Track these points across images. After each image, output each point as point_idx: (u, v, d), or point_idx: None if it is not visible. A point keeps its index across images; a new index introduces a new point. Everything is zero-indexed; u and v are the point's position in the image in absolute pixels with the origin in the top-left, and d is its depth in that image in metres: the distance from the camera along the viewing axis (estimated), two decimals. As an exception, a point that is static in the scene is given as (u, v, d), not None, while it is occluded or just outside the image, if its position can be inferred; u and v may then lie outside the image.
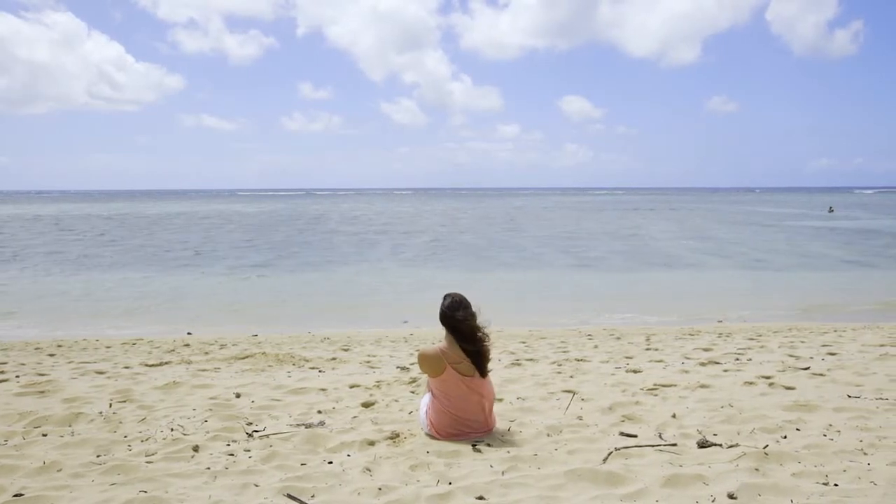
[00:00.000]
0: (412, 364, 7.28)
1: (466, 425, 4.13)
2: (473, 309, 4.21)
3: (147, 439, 4.13)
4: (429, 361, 4.16)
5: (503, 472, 3.44)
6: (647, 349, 8.86)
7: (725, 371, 6.69)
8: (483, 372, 4.16)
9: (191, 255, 25.24)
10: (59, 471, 3.50)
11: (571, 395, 5.34)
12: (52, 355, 8.84)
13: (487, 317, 4.38)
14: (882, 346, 8.58)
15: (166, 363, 7.99)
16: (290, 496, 3.06)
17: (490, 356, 4.25)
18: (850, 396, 5.25)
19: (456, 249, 27.57)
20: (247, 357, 8.32)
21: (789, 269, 20.88)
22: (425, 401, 4.34)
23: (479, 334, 4.15)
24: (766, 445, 3.78)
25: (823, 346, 8.67)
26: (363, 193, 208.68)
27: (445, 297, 4.26)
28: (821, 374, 6.31)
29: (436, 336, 10.16)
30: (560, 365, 7.38)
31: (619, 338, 10.32)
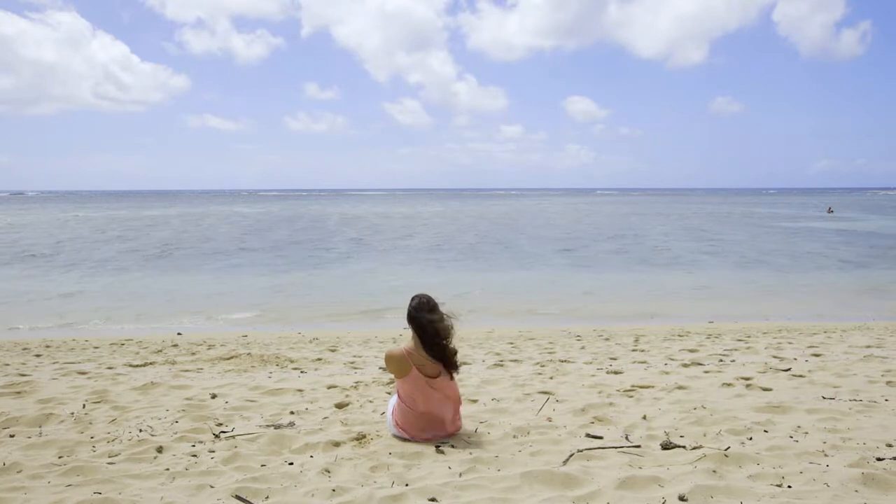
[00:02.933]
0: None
1: (431, 426, 4.12)
2: (442, 310, 4.20)
3: (113, 440, 4.14)
4: (394, 362, 4.16)
5: (461, 474, 3.43)
6: (634, 350, 8.85)
7: (706, 372, 6.67)
8: (448, 374, 4.15)
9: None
10: (19, 472, 3.51)
11: (546, 396, 5.33)
12: (38, 356, 8.86)
13: (461, 318, 4.36)
14: (868, 347, 8.56)
15: (150, 364, 8.00)
16: (238, 497, 3.06)
17: (456, 358, 4.24)
18: (824, 398, 5.24)
19: (454, 250, 27.58)
20: (232, 358, 8.32)
21: (785, 269, 20.85)
22: (392, 402, 4.34)
23: (444, 337, 4.13)
24: (728, 447, 3.76)
25: (810, 347, 8.65)
26: (364, 194, 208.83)
27: (413, 297, 4.26)
28: (800, 376, 6.29)
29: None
30: (543, 366, 7.37)
31: (607, 339, 10.30)
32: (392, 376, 6.28)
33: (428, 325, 4.08)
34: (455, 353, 4.20)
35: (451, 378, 4.18)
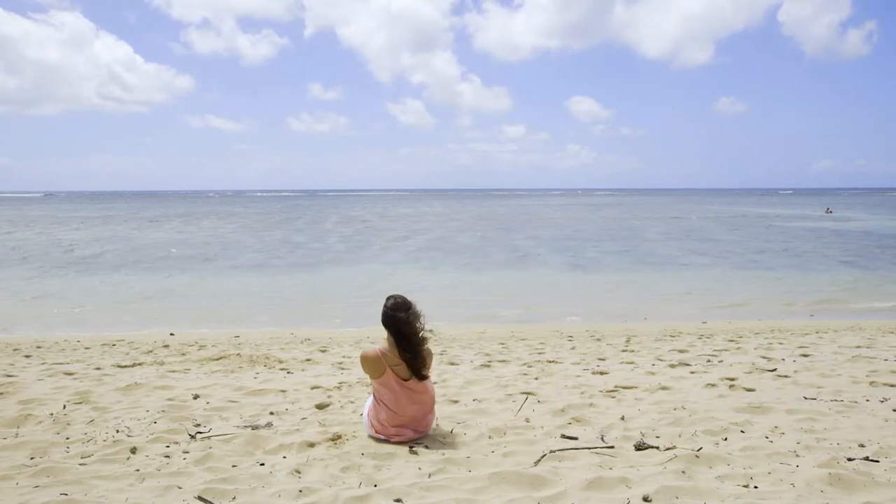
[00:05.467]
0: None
1: (406, 427, 4.13)
2: (416, 311, 4.20)
3: (89, 441, 4.13)
4: (369, 363, 4.17)
5: (430, 475, 3.43)
6: (624, 350, 8.83)
7: (692, 373, 6.67)
8: (421, 375, 4.15)
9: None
10: (-11, 473, 3.51)
11: (525, 396, 5.33)
12: (27, 356, 8.85)
13: (434, 319, 4.37)
14: (858, 347, 8.55)
15: (139, 364, 7.99)
16: (201, 499, 3.06)
17: (430, 359, 4.24)
18: (806, 398, 5.23)
19: (451, 250, 27.57)
20: (221, 358, 8.32)
21: (781, 269, 20.83)
22: (369, 402, 4.34)
23: (419, 338, 4.13)
24: (700, 448, 3.76)
25: (800, 347, 8.63)
26: (365, 195, 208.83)
27: (388, 298, 4.26)
28: (785, 376, 6.28)
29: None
30: (530, 366, 7.36)
31: (599, 339, 10.28)
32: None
33: (402, 326, 4.08)
34: (427, 354, 4.20)
35: (425, 379, 4.17)
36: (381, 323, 4.23)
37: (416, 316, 4.17)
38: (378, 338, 10.89)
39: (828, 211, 60.28)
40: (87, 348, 9.85)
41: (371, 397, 4.32)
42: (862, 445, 3.80)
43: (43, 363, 8.11)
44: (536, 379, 6.39)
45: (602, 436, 4.17)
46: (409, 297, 4.26)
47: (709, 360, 7.58)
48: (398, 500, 3.07)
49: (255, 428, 4.46)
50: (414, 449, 3.93)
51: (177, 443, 4.12)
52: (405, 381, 4.12)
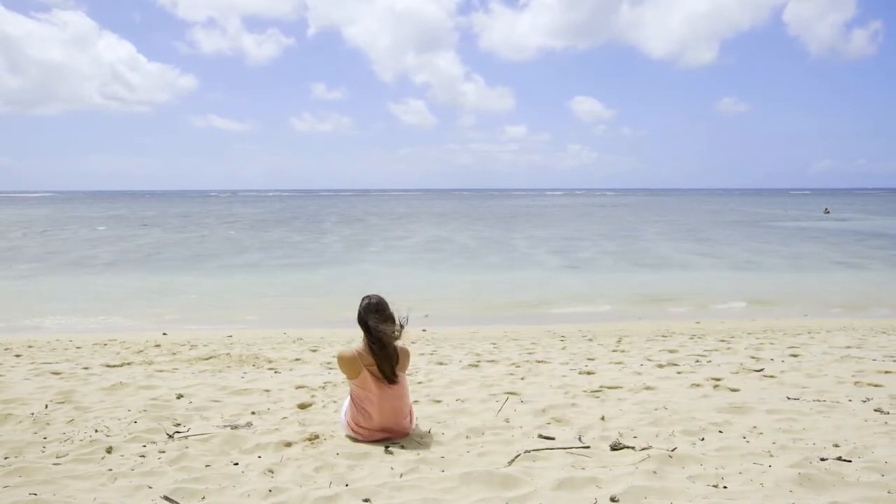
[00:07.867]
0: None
1: (382, 427, 4.12)
2: (391, 312, 4.19)
3: (66, 441, 4.13)
4: (345, 363, 4.16)
5: (402, 475, 3.42)
6: (614, 350, 8.82)
7: (679, 373, 6.65)
8: (391, 377, 4.14)
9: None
10: (-38, 473, 3.50)
11: (506, 397, 5.32)
12: (18, 356, 8.85)
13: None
14: (848, 347, 8.53)
15: (128, 364, 7.99)
16: (167, 499, 3.05)
17: (407, 359, 4.24)
18: (789, 398, 5.22)
19: (450, 250, 27.59)
20: (210, 358, 8.32)
21: (777, 269, 20.82)
22: (346, 403, 4.34)
23: (391, 338, 4.12)
24: (675, 448, 3.75)
25: (790, 347, 8.62)
26: (366, 195, 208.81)
27: (363, 298, 4.26)
28: (771, 377, 6.28)
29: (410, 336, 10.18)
30: (518, 366, 7.35)
31: (591, 339, 10.28)
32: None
33: (375, 327, 4.08)
34: (403, 354, 4.19)
35: (399, 380, 4.16)
36: (357, 323, 4.23)
37: (391, 316, 4.16)
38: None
39: (826, 211, 60.25)
40: (78, 348, 9.85)
41: (348, 397, 4.32)
42: (837, 445, 3.79)
43: (32, 363, 8.11)
44: (522, 379, 6.39)
45: (580, 436, 4.16)
46: (387, 298, 4.26)
47: (697, 361, 7.57)
48: (366, 500, 3.07)
49: (234, 427, 4.46)
50: (389, 449, 3.92)
51: (154, 442, 4.11)
52: (381, 380, 4.11)
